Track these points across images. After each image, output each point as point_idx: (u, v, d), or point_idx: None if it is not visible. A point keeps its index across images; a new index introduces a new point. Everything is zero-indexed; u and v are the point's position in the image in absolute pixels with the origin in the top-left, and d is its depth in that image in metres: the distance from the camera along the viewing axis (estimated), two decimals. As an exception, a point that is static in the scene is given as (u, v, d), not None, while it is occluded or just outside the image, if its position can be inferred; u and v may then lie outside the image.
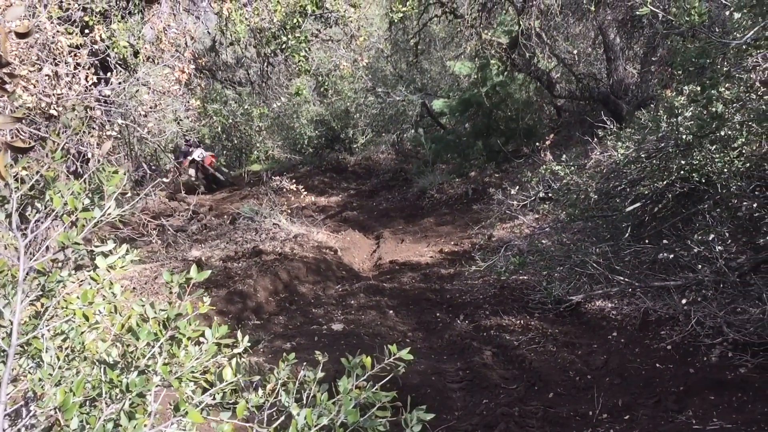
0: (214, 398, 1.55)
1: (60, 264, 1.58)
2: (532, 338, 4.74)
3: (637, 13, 3.65)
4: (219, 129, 9.88)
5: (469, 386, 4.25)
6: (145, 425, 1.32)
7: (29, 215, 1.55)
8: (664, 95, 4.71)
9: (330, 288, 6.95)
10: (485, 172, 11.22)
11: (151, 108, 6.42)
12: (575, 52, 11.22)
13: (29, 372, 1.50)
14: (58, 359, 1.47)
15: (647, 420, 3.43)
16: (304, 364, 1.73)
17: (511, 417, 3.72)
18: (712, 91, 3.30)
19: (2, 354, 1.51)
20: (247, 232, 9.67)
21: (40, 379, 1.42)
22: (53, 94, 5.86)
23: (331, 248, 8.42)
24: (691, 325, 3.97)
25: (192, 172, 12.90)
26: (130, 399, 1.39)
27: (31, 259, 1.54)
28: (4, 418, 1.41)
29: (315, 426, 1.33)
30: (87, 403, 1.49)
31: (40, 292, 1.51)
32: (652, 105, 6.57)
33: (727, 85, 4.00)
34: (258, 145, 12.15)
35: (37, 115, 5.90)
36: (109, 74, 6.52)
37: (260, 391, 1.64)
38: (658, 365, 3.97)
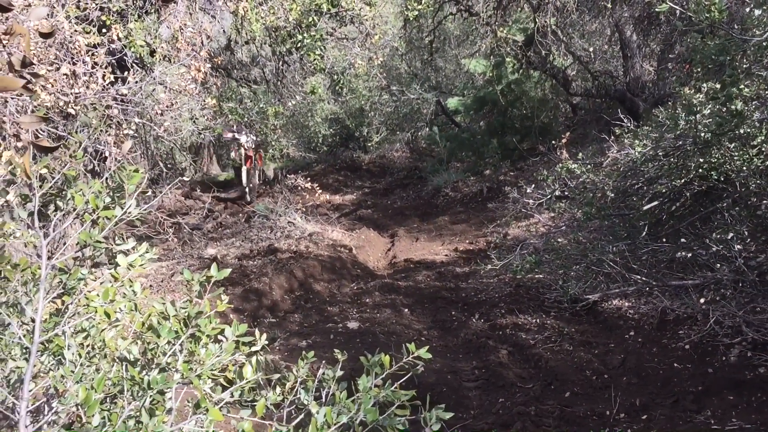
0: (232, 396, 1.55)
1: (80, 262, 1.59)
2: (548, 337, 4.72)
3: (656, 9, 3.61)
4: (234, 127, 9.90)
5: (485, 385, 4.24)
6: (164, 422, 1.32)
7: (50, 213, 1.56)
8: (682, 93, 4.65)
9: (345, 286, 6.96)
10: (500, 170, 11.19)
11: (167, 106, 6.45)
12: (591, 49, 11.14)
13: (51, 369, 1.52)
14: (80, 356, 1.48)
15: (665, 420, 3.40)
16: (323, 362, 1.73)
17: (527, 416, 3.71)
18: (732, 89, 3.26)
19: (24, 351, 1.52)
20: (262, 231, 9.70)
21: (62, 376, 1.43)
22: (71, 93, 5.90)
23: (346, 246, 8.43)
24: (709, 324, 3.93)
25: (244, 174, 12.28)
26: (150, 396, 1.40)
27: (50, 257, 1.55)
28: (26, 415, 1.43)
29: (335, 424, 1.34)
30: (107, 400, 1.50)
31: (62, 290, 1.52)
32: (669, 103, 6.52)
33: (747, 82, 3.96)
34: (273, 143, 12.19)
35: (55, 114, 5.95)
36: (126, 73, 6.56)
37: (278, 389, 1.65)
38: (676, 365, 3.94)
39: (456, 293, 6.22)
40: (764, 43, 3.02)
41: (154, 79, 6.58)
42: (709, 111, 4.39)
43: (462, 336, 5.09)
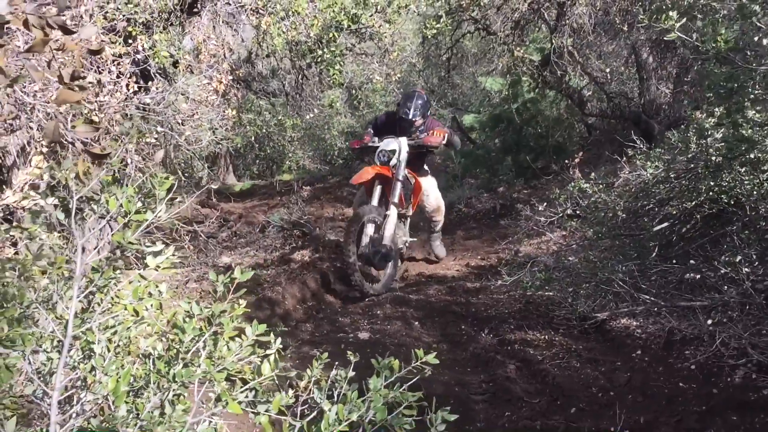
0: (247, 396, 1.65)
1: (111, 262, 1.69)
2: (556, 353, 4.78)
3: (665, 38, 3.71)
4: (252, 138, 10.04)
5: (492, 399, 4.30)
6: (185, 411, 1.42)
7: (85, 216, 1.67)
8: (693, 117, 4.73)
9: (357, 298, 7.04)
10: (514, 187, 11.25)
11: (189, 116, 6.61)
12: (607, 70, 11.23)
13: (77, 363, 1.62)
14: (108, 351, 1.58)
15: (669, 438, 3.46)
16: (336, 364, 1.82)
17: (533, 430, 3.77)
18: (737, 116, 3.34)
19: (56, 344, 1.62)
20: (276, 240, 9.81)
21: (92, 368, 1.53)
22: (95, 102, 6.06)
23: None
24: (715, 345, 3.98)
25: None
26: (174, 390, 1.49)
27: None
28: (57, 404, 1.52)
29: (345, 420, 1.42)
30: (132, 393, 1.60)
31: (94, 288, 1.63)
32: (683, 126, 6.58)
33: (758, 108, 4.03)
34: (290, 155, 12.35)
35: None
36: (149, 83, 6.73)
37: (290, 391, 1.74)
38: (681, 384, 3.99)
39: (466, 308, 6.28)
40: (769, 72, 3.10)
41: (177, 89, 6.75)
42: (720, 135, 4.45)
43: (471, 350, 5.16)
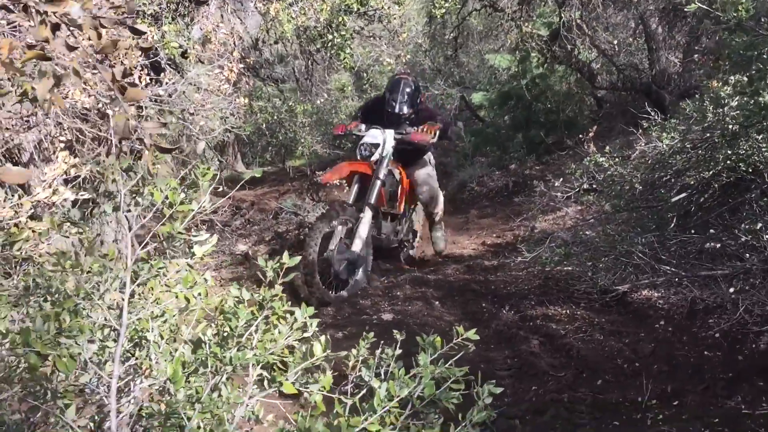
0: (298, 376, 1.70)
1: (159, 253, 1.74)
2: (578, 327, 4.82)
3: (685, 9, 3.70)
4: (263, 125, 10.05)
5: (518, 374, 4.35)
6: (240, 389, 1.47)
7: (130, 208, 1.71)
8: (709, 86, 4.72)
9: (375, 280, 7.09)
10: (525, 164, 11.24)
11: (201, 106, 6.64)
12: (616, 42, 11.16)
13: (134, 351, 1.67)
14: (162, 337, 1.63)
15: (696, 405, 3.50)
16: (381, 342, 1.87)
17: (560, 403, 3.82)
18: (759, 84, 3.34)
19: (111, 333, 1.67)
20: (290, 226, 9.87)
21: (147, 355, 1.58)
22: (109, 95, 6.10)
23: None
24: (739, 313, 4.00)
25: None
26: (227, 373, 1.55)
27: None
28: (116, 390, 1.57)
29: (397, 396, 1.47)
30: (185, 378, 1.65)
31: (145, 278, 1.67)
32: (696, 95, 6.55)
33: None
34: (302, 140, 12.37)
35: (95, 116, 6.16)
36: (161, 75, 6.76)
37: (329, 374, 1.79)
38: (706, 353, 4.03)
39: (485, 286, 6.33)
40: (792, 39, 3.11)
41: (189, 80, 6.77)
42: (736, 103, 4.45)
43: (493, 327, 5.20)
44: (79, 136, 6.11)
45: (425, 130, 6.42)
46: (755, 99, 3.77)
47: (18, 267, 2.99)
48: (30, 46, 1.28)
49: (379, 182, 6.40)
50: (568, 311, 5.18)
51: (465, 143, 12.95)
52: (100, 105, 6.20)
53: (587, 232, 6.08)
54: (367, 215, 6.27)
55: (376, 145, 6.41)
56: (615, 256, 5.17)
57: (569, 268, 5.91)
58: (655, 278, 4.86)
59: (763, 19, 3.43)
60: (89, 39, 1.32)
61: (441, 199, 7.46)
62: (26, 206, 3.21)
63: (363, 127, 6.74)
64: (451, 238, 9.00)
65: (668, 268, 4.72)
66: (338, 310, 6.04)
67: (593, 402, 3.80)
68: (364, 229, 6.20)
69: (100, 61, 1.61)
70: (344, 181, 7.40)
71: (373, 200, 6.34)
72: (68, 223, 3.04)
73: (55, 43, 1.24)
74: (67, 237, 3.14)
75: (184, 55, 7.73)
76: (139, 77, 6.23)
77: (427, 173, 7.17)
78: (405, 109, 6.57)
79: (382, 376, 1.65)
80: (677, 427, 3.35)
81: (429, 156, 7.26)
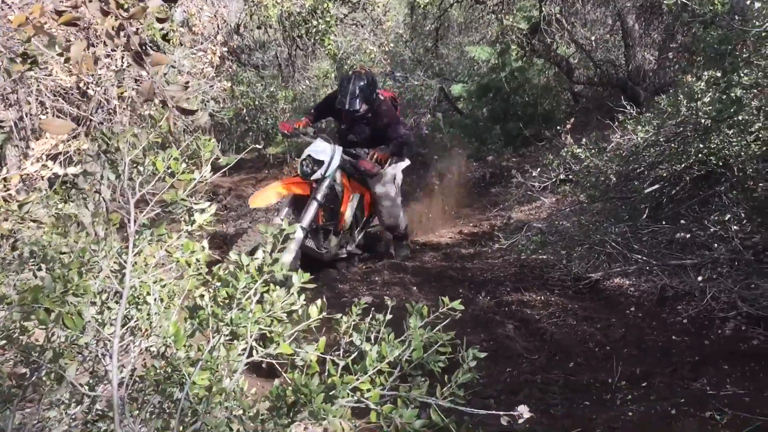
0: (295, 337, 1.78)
1: (161, 219, 1.81)
2: (552, 313, 4.95)
3: (664, 3, 3.83)
4: (244, 111, 10.05)
5: (493, 356, 4.47)
6: (242, 351, 1.55)
7: (133, 177, 1.78)
8: (683, 81, 4.88)
9: (353, 266, 7.17)
10: (503, 156, 11.40)
11: (184, 89, 6.64)
12: (593, 38, 11.34)
13: (136, 311, 1.74)
14: (162, 301, 1.70)
15: (664, 387, 3.65)
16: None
17: (534, 384, 3.96)
18: (732, 76, 3.48)
19: (113, 296, 1.74)
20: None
21: (148, 316, 1.65)
22: (92, 75, 6.09)
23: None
24: (706, 300, 4.16)
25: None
26: (225, 335, 1.62)
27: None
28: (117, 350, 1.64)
29: (388, 356, 1.56)
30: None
31: (147, 242, 1.74)
32: (670, 91, 6.73)
33: (746, 71, 4.18)
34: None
35: (76, 95, 6.15)
36: (143, 57, 6.73)
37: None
38: (674, 337, 4.19)
39: (462, 273, 6.44)
40: (763, 34, 3.24)
41: (171, 62, 6.77)
42: (709, 99, 4.61)
43: (469, 312, 5.31)
44: (59, 114, 6.10)
45: (376, 157, 6.00)
46: (727, 93, 3.92)
47: (3, 239, 3.02)
48: (58, 12, 1.33)
49: (315, 203, 5.90)
50: (542, 297, 5.31)
51: (444, 134, 13.07)
52: (81, 84, 6.20)
53: (563, 223, 6.23)
54: (297, 237, 5.79)
55: (321, 163, 5.91)
56: (589, 245, 5.33)
57: (544, 257, 6.05)
58: (627, 266, 5.02)
59: (737, 16, 3.56)
60: (118, 7, 1.37)
61: (402, 216, 6.86)
62: (15, 180, 3.24)
63: (311, 130, 6.27)
64: (428, 226, 9.12)
65: (640, 257, 4.88)
66: (316, 294, 6.11)
67: (565, 383, 3.94)
68: (290, 253, 5.65)
69: (120, 27, 1.66)
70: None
71: (305, 223, 5.86)
72: (54, 197, 3.08)
73: (91, 6, 1.29)
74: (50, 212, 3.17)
75: (165, 37, 7.70)
76: (122, 58, 6.23)
77: (386, 190, 6.52)
78: (357, 105, 5.96)
79: (374, 341, 1.74)
80: (645, 406, 3.50)
81: (393, 167, 6.64)
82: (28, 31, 1.38)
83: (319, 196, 5.89)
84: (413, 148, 7.01)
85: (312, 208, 5.85)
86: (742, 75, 4.03)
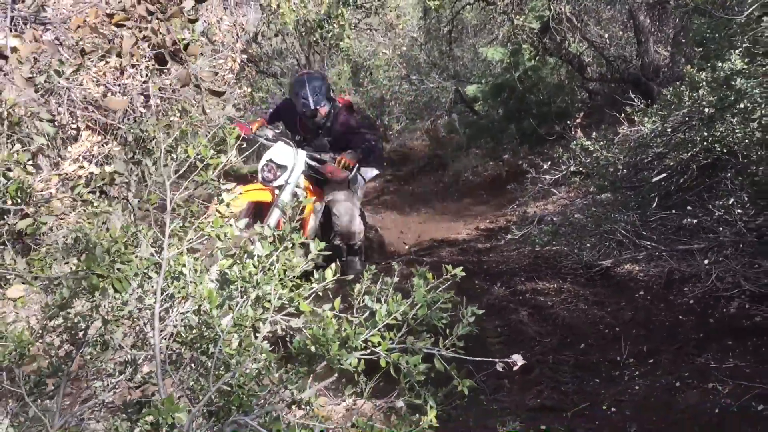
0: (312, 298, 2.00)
1: (193, 199, 2.04)
2: (564, 299, 5.13)
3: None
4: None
5: (507, 340, 4.67)
6: (266, 309, 1.77)
7: (168, 163, 2.01)
8: (686, 72, 5.04)
9: (372, 262, 7.39)
10: (518, 154, 11.55)
11: (206, 97, 6.91)
12: (606, 35, 11.47)
13: (173, 281, 1.96)
14: (196, 271, 1.92)
15: (669, 362, 3.82)
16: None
17: (546, 364, 4.14)
18: (718, 63, 3.64)
19: (153, 267, 1.97)
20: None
21: (183, 286, 1.88)
22: (119, 84, 6.38)
23: (372, 227, 8.87)
24: (711, 281, 4.32)
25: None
26: (251, 298, 1.84)
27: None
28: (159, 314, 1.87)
29: (395, 312, 1.77)
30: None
31: (180, 221, 1.97)
32: (678, 82, 6.87)
33: (746, 60, 4.33)
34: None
35: (103, 104, 6.44)
36: (166, 66, 7.02)
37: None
38: (680, 317, 4.35)
39: (478, 266, 6.63)
40: (742, 20, 3.40)
41: (195, 71, 7.04)
42: (706, 89, 4.76)
43: (485, 301, 5.51)
44: (89, 125, 6.39)
45: (343, 163, 5.47)
46: (726, 82, 4.07)
47: (42, 235, 3.28)
48: (109, 15, 1.55)
49: (278, 211, 5.39)
50: (555, 285, 5.48)
51: (460, 135, 13.27)
52: (109, 94, 6.49)
53: (576, 216, 6.40)
54: (257, 250, 5.47)
55: (283, 168, 5.49)
56: (600, 234, 5.50)
57: (557, 247, 6.23)
58: (636, 253, 5.18)
59: (728, 2, 3.73)
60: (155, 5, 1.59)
61: (359, 228, 6.34)
62: (54, 180, 3.52)
63: (269, 133, 5.79)
64: (447, 224, 9.33)
65: (649, 243, 5.04)
66: (335, 294, 6.33)
67: (576, 363, 4.12)
68: None
69: (156, 29, 1.89)
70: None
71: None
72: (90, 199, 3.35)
73: (139, 8, 1.50)
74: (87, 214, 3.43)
75: (186, 47, 7.97)
76: (147, 68, 6.52)
77: (344, 198, 6.01)
78: (321, 104, 5.53)
79: (383, 302, 1.95)
80: (651, 380, 3.67)
81: (362, 173, 6.17)
82: (84, 32, 1.59)
83: (280, 204, 5.40)
84: (382, 155, 6.56)
85: (274, 216, 5.40)
86: (741, 63, 4.19)
